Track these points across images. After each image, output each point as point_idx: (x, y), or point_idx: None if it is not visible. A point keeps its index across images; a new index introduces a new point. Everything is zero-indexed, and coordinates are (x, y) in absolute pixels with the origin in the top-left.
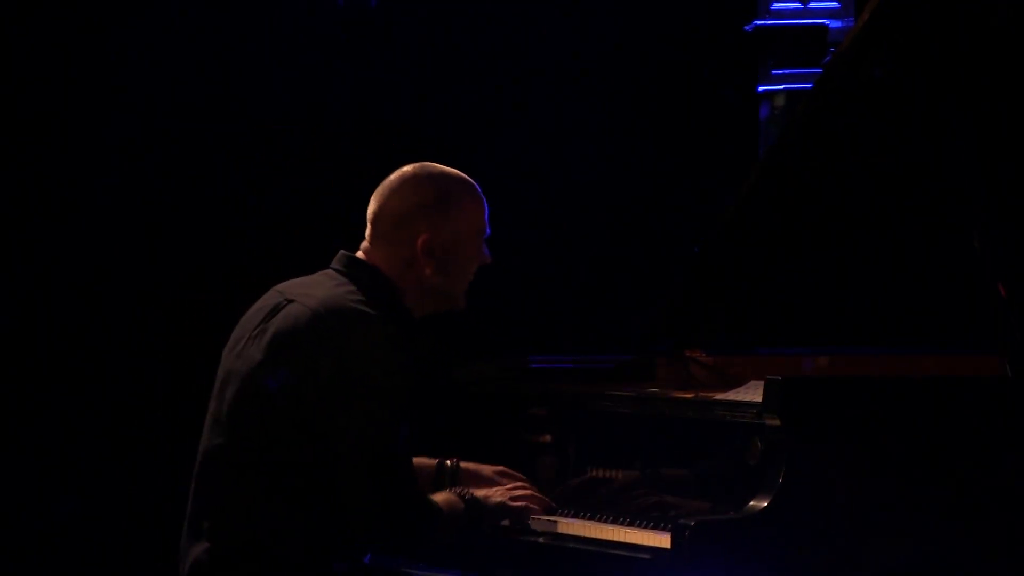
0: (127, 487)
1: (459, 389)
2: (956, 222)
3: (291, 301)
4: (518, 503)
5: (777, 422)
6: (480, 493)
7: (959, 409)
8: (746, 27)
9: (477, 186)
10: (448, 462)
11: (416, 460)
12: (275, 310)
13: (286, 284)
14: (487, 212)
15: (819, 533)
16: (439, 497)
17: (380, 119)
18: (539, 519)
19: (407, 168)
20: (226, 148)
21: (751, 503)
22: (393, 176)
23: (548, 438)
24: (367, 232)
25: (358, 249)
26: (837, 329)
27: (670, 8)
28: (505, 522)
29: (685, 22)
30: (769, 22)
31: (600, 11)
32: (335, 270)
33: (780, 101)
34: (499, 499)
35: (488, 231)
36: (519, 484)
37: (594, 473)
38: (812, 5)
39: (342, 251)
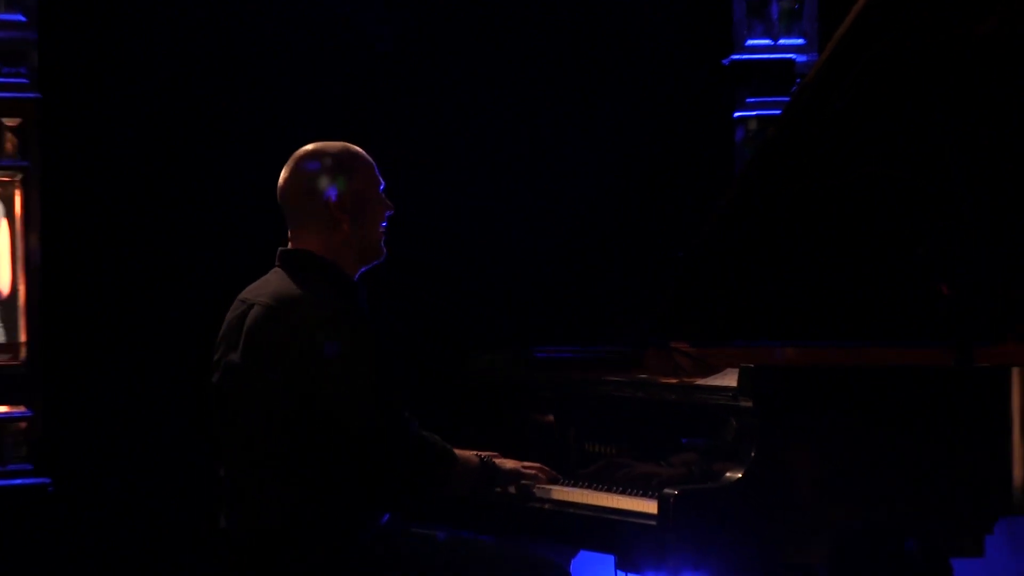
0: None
1: (473, 377)
2: (906, 232)
3: (252, 305)
4: (529, 470)
5: (750, 404)
6: (498, 460)
7: (908, 393)
8: (724, 61)
9: (366, 155)
10: (484, 455)
11: (462, 453)
12: (244, 315)
13: (246, 290)
14: (375, 166)
15: (786, 500)
16: (461, 452)
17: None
18: (542, 487)
19: (298, 155)
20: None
21: (727, 474)
22: (290, 167)
23: (551, 418)
24: (288, 225)
25: (292, 240)
26: (803, 324)
27: (661, 45)
28: (512, 490)
29: (674, 57)
30: (744, 56)
31: (604, 44)
32: (279, 267)
33: (753, 125)
34: (513, 466)
35: (383, 184)
36: (533, 464)
37: (591, 448)
38: (781, 42)
39: (280, 248)
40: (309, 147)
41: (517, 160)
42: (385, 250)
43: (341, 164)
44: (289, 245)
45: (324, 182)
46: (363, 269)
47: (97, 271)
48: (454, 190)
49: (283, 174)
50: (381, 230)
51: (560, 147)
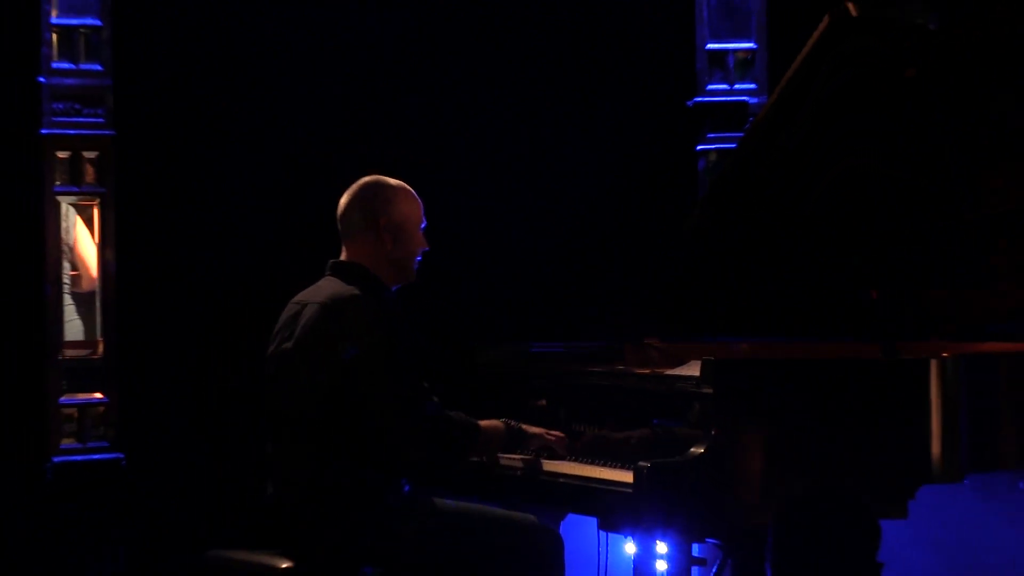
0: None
1: (480, 368)
2: (841, 247)
3: (306, 304)
4: (549, 437)
5: (711, 390)
6: (524, 426)
7: (843, 381)
8: (688, 103)
9: (412, 190)
10: (511, 422)
11: (487, 422)
12: (298, 315)
13: (300, 295)
14: (422, 207)
15: (741, 471)
16: (484, 422)
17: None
18: (537, 460)
19: (357, 184)
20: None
21: (691, 450)
22: (349, 193)
23: (544, 402)
24: (342, 242)
25: (340, 254)
26: (755, 323)
27: (639, 89)
28: (519, 464)
29: (648, 99)
30: (705, 99)
31: (592, 87)
32: (329, 275)
33: (713, 157)
34: (538, 431)
35: (424, 222)
36: (555, 432)
37: (578, 427)
38: (736, 87)
39: (331, 260)
40: (370, 177)
41: (520, 185)
42: (415, 276)
43: (395, 195)
44: (341, 257)
45: (379, 206)
46: (397, 285)
47: (162, 278)
48: (464, 214)
49: (345, 197)
50: (417, 259)
51: (554, 174)
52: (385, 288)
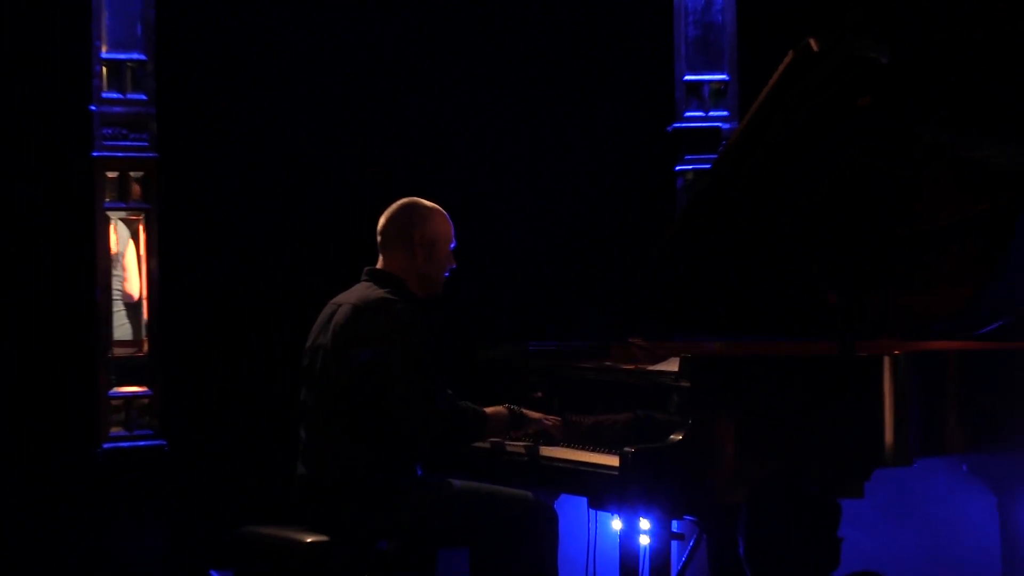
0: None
1: (484, 364)
2: (804, 256)
3: (340, 305)
4: (546, 421)
5: (688, 384)
6: (525, 411)
7: (806, 375)
8: (668, 128)
9: (445, 212)
10: (514, 407)
11: (493, 408)
12: (333, 314)
13: (336, 298)
14: (453, 229)
15: (715, 456)
16: (490, 409)
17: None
18: (535, 445)
19: (399, 202)
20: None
21: (671, 437)
22: (391, 209)
23: (540, 394)
24: (380, 250)
25: (376, 263)
26: (727, 324)
27: (626, 116)
28: (522, 449)
29: (633, 125)
30: (683, 125)
31: (583, 116)
32: (365, 280)
33: (690, 176)
34: (537, 416)
35: (455, 243)
36: (551, 417)
37: (570, 416)
38: (711, 114)
39: (366, 267)
40: (409, 199)
41: (520, 202)
42: (443, 289)
43: (430, 215)
44: (377, 266)
45: (414, 224)
46: (425, 295)
47: (200, 285)
48: (471, 228)
49: (385, 213)
50: (445, 275)
51: (549, 192)
52: (413, 296)
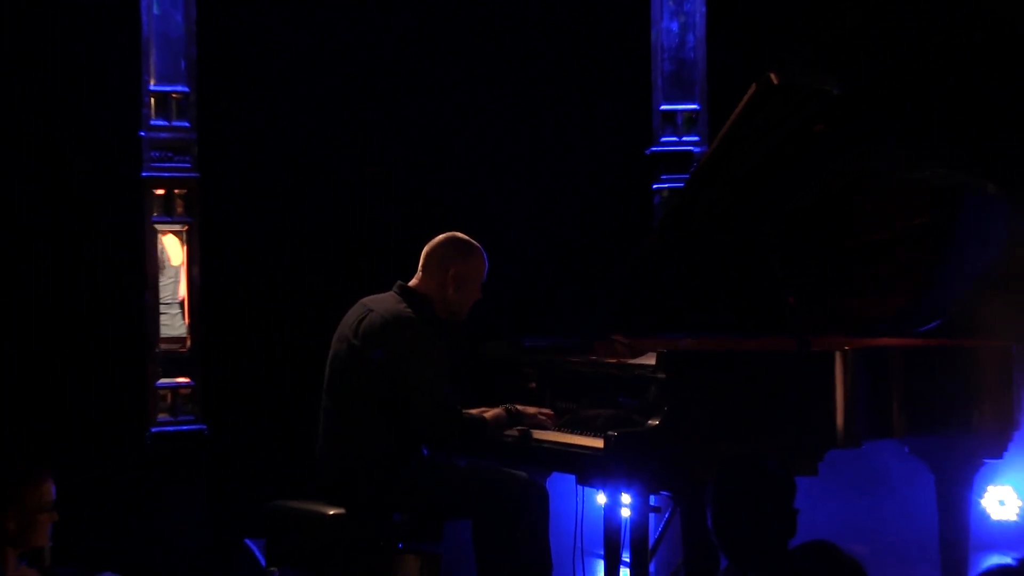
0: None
1: (486, 358)
2: (766, 264)
3: (371, 311)
4: (541, 415)
5: (664, 376)
6: (520, 407)
7: (767, 367)
8: (646, 151)
9: (484, 251)
10: (511, 407)
11: (492, 411)
12: (363, 317)
13: (367, 299)
14: (487, 268)
15: (688, 438)
16: (491, 412)
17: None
18: (528, 431)
19: (448, 234)
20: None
21: (649, 422)
22: (439, 238)
23: (534, 385)
24: (419, 270)
25: (410, 279)
26: (698, 323)
27: (610, 140)
28: (515, 433)
29: (618, 148)
30: (660, 148)
31: (571, 143)
32: (396, 293)
33: (665, 193)
34: (532, 411)
35: (485, 278)
36: (545, 410)
37: (560, 404)
38: (684, 139)
39: (399, 281)
40: (455, 234)
41: (516, 218)
42: (465, 317)
43: (468, 254)
44: (412, 282)
45: (452, 260)
46: (446, 318)
47: (236, 289)
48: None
49: (434, 240)
50: (469, 305)
51: (542, 209)
52: (435, 317)
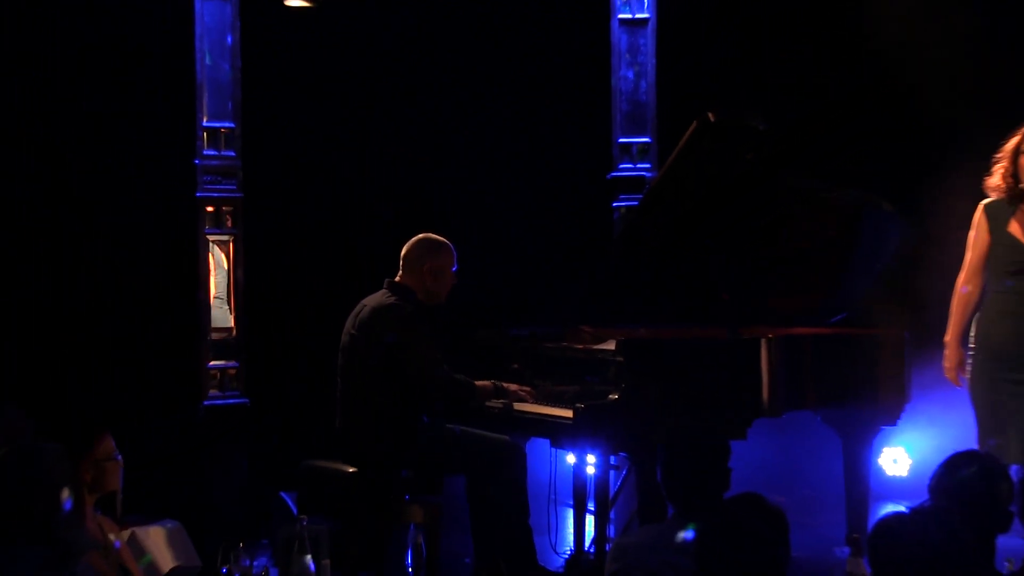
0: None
1: (478, 343)
2: (705, 267)
3: (365, 306)
4: (521, 391)
5: (622, 359)
6: (504, 384)
7: (706, 352)
8: (607, 176)
9: (452, 245)
10: (497, 382)
11: (481, 382)
12: (359, 312)
13: (365, 299)
14: (456, 257)
15: (641, 409)
16: (480, 383)
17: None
18: (509, 403)
19: (421, 235)
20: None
21: (609, 396)
22: (413, 240)
23: (517, 366)
24: (400, 267)
25: (396, 275)
26: (650, 315)
27: (578, 168)
28: (499, 405)
29: (584, 173)
30: (618, 174)
31: (542, 172)
32: (385, 289)
33: (623, 210)
34: (515, 387)
35: (456, 267)
36: (525, 387)
37: (538, 382)
38: (638, 166)
39: (387, 279)
40: (428, 235)
41: (500, 231)
42: (446, 300)
43: (439, 250)
44: (396, 279)
45: (427, 256)
46: (428, 303)
47: (273, 288)
48: (468, 246)
49: (409, 242)
50: (446, 291)
51: (522, 224)
52: (420, 303)
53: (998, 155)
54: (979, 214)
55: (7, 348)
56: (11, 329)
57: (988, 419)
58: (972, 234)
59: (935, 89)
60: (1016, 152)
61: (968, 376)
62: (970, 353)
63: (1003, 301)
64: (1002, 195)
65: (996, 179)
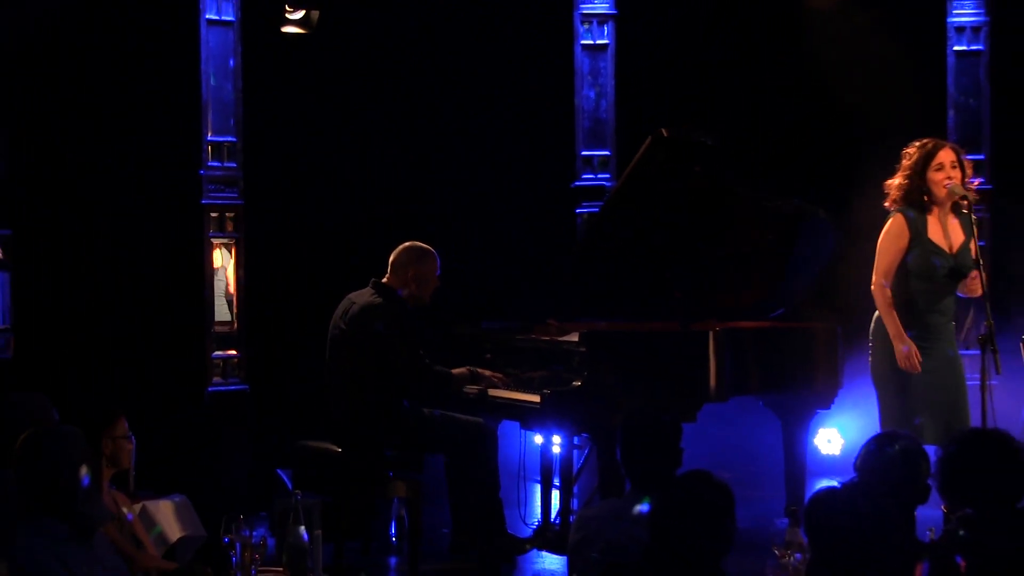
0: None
1: (456, 336)
2: (659, 266)
3: (354, 303)
4: (494, 377)
5: (584, 349)
6: (479, 370)
7: (660, 343)
8: (572, 185)
9: (436, 253)
10: (473, 368)
11: (458, 369)
12: (348, 308)
13: (351, 295)
14: (439, 264)
15: (602, 395)
16: (456, 370)
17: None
18: (484, 389)
19: (408, 243)
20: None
21: (573, 383)
22: (401, 247)
23: (490, 356)
24: (388, 270)
25: (383, 276)
26: (610, 310)
27: (545, 178)
28: (474, 390)
29: (554, 183)
30: (581, 183)
31: (509, 185)
32: (371, 288)
33: (585, 216)
34: (488, 374)
35: (439, 272)
36: (497, 373)
37: (510, 371)
38: (599, 176)
39: (373, 279)
40: (414, 243)
41: (476, 237)
42: (430, 302)
43: (424, 257)
44: (384, 279)
45: (412, 263)
46: (412, 304)
47: (271, 286)
48: (450, 252)
49: (398, 248)
50: (430, 293)
51: (496, 230)
52: (403, 303)
53: (905, 168)
54: (899, 223)
55: (36, 340)
56: (40, 323)
57: (900, 405)
58: (889, 240)
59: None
60: (924, 167)
61: (873, 364)
62: (870, 345)
63: (923, 300)
64: (911, 206)
65: (904, 191)
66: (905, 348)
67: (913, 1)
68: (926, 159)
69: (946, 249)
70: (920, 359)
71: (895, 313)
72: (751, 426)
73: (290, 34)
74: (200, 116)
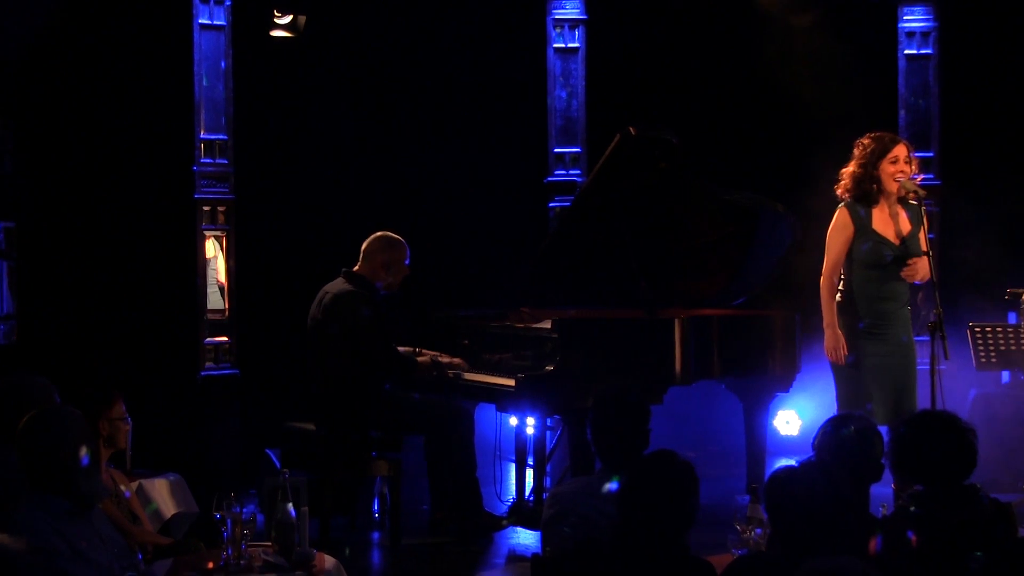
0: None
1: (433, 322)
2: (627, 258)
3: (328, 293)
4: (456, 363)
5: (556, 335)
6: (443, 357)
7: (627, 329)
8: (545, 180)
9: (405, 242)
10: (436, 357)
11: (422, 358)
12: (322, 298)
13: (326, 286)
14: (408, 253)
15: (573, 378)
16: (422, 358)
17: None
18: (463, 373)
19: (378, 233)
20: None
21: (546, 368)
22: (372, 236)
23: (467, 342)
24: (360, 259)
25: (355, 265)
26: (580, 299)
27: (520, 175)
28: (451, 374)
29: (526, 180)
30: (554, 179)
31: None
32: (342, 278)
33: (558, 210)
34: (450, 360)
35: (408, 260)
36: (459, 360)
37: (485, 355)
38: (570, 172)
39: (344, 268)
40: (384, 232)
41: (455, 232)
42: (399, 288)
43: (393, 245)
44: (355, 268)
45: (383, 251)
46: (384, 291)
47: (260, 276)
48: (429, 245)
49: (369, 238)
50: (400, 280)
51: (475, 225)
52: (375, 289)
53: (859, 158)
54: (843, 215)
55: (39, 326)
56: (42, 311)
57: (855, 388)
58: (835, 232)
59: (819, 107)
60: (879, 158)
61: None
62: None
63: (871, 288)
64: (859, 195)
65: (856, 180)
66: (833, 340)
67: (867, 8)
68: (883, 151)
69: (892, 238)
70: (846, 353)
71: (834, 305)
72: (714, 408)
73: (278, 38)
74: (193, 115)
